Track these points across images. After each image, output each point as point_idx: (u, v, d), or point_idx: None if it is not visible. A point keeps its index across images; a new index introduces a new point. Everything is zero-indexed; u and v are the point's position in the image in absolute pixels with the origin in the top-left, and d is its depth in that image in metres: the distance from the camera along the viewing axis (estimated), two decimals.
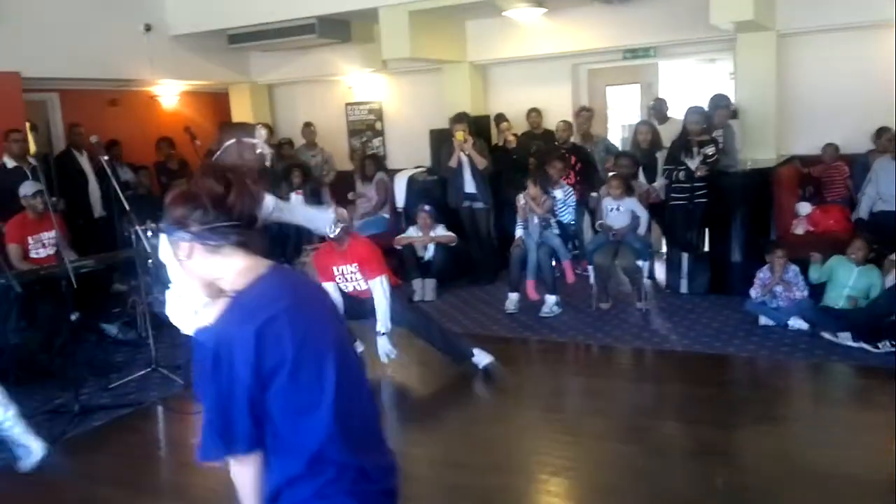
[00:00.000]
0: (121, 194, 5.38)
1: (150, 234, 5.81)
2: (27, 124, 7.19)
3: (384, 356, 5.09)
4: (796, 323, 5.67)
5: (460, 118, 7.52)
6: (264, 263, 1.82)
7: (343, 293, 5.15)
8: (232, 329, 1.70)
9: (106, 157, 5.73)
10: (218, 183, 1.76)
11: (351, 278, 5.14)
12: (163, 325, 6.46)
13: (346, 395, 1.79)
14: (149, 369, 5.40)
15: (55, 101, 9.03)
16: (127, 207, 5.35)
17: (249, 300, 1.74)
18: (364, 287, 5.11)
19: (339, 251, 5.11)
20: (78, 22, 7.77)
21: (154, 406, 4.99)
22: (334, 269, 5.16)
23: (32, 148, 7.31)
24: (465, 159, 7.43)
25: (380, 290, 5.03)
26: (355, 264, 5.10)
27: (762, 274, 5.87)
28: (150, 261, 6.18)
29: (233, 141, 3.82)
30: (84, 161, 7.97)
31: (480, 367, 5.25)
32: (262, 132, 5.09)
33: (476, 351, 5.29)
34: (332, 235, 4.99)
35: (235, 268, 1.78)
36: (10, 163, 6.87)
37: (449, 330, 5.60)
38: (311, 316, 1.82)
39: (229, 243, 1.76)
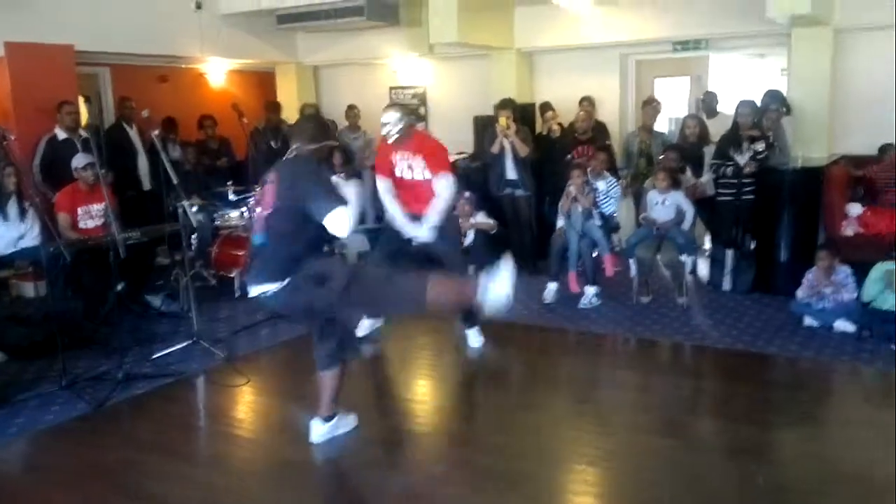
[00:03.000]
0: (170, 169, 5.45)
1: (194, 209, 5.91)
2: (80, 97, 7.30)
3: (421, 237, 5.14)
4: (842, 325, 5.56)
5: (505, 104, 7.47)
6: None
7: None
8: None
9: (156, 132, 5.79)
10: None
11: (415, 167, 5.15)
12: (204, 299, 6.62)
13: None
14: (190, 341, 5.47)
15: (106, 75, 9.19)
16: (175, 182, 5.42)
17: None
18: (427, 177, 5.11)
19: (402, 147, 5.16)
20: None
21: (194, 377, 5.06)
22: (394, 157, 5.16)
23: (85, 120, 7.43)
24: (507, 146, 7.39)
25: (444, 185, 5.09)
26: (420, 156, 5.14)
27: (811, 274, 5.76)
28: (193, 235, 6.30)
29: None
30: (134, 134, 8.09)
31: (469, 342, 5.49)
32: None
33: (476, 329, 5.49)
34: (389, 141, 5.10)
35: None
36: (61, 134, 7.02)
37: None
38: None
39: None
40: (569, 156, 7.50)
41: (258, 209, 3.73)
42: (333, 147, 3.77)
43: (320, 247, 3.81)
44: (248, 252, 6.85)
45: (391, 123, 5.10)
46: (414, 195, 5.22)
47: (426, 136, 5.55)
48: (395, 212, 5.24)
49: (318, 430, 3.95)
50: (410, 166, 5.20)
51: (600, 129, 7.95)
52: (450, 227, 5.34)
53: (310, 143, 3.71)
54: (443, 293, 3.69)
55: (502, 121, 7.29)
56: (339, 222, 3.46)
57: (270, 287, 3.61)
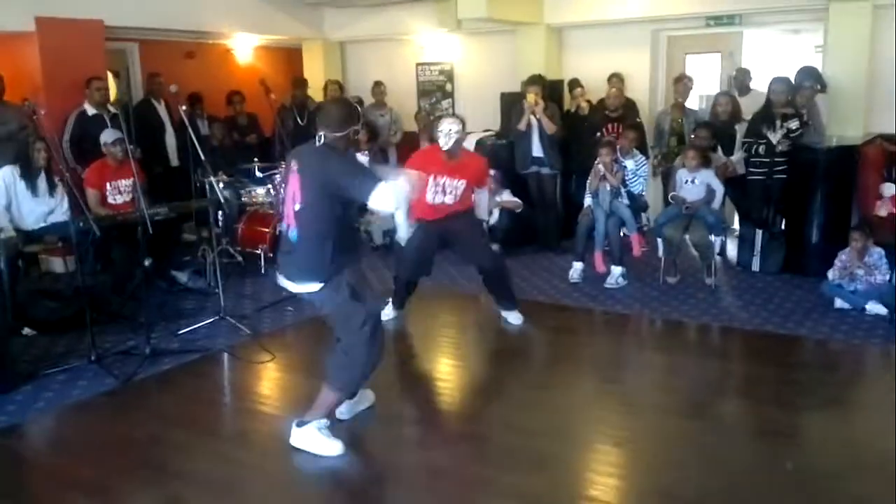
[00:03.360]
0: (197, 145, 5.46)
1: (221, 185, 5.92)
2: (108, 72, 7.33)
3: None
4: (874, 307, 5.46)
5: (534, 80, 7.38)
6: None
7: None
8: None
9: (184, 108, 5.80)
10: None
11: (449, 191, 5.10)
12: (231, 275, 6.66)
13: None
14: (216, 318, 5.51)
15: (134, 51, 9.22)
16: (202, 158, 5.42)
17: None
18: (453, 204, 5.10)
19: (448, 162, 5.07)
20: None
21: (220, 353, 5.09)
22: (432, 178, 5.01)
23: (114, 95, 7.47)
24: (534, 123, 7.31)
25: (486, 191, 5.29)
26: (464, 181, 5.08)
27: (843, 255, 5.65)
28: (220, 211, 6.31)
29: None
30: (162, 110, 8.12)
31: (508, 321, 5.51)
32: None
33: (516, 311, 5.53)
34: (445, 148, 5.04)
35: None
36: (90, 110, 7.06)
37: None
38: None
39: None
40: (598, 133, 7.41)
41: (288, 199, 3.61)
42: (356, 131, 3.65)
43: (354, 244, 3.79)
44: (274, 235, 6.92)
45: (453, 132, 5.01)
46: (436, 213, 5.17)
47: (473, 154, 5.58)
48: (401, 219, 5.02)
49: (343, 407, 3.89)
50: (446, 189, 5.10)
51: (630, 107, 7.84)
52: (467, 220, 5.30)
53: (337, 131, 3.54)
54: (321, 400, 3.66)
55: (530, 97, 7.22)
56: (385, 198, 3.37)
57: (306, 288, 3.62)
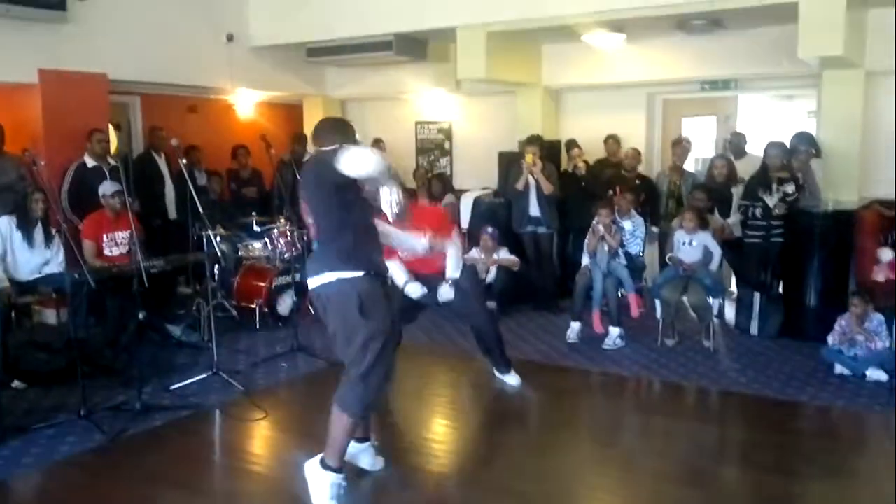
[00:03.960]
0: (196, 198, 5.46)
1: (218, 238, 5.91)
2: (109, 125, 7.39)
3: (444, 298, 5.10)
4: (875, 374, 5.42)
5: (533, 140, 7.46)
6: None
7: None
8: None
9: (184, 161, 5.82)
10: None
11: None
12: (225, 330, 6.61)
13: None
14: (210, 373, 5.44)
15: (136, 104, 9.31)
16: (201, 211, 5.42)
17: None
18: (428, 257, 4.94)
19: (404, 227, 4.84)
20: (163, 29, 8.00)
21: (213, 410, 5.01)
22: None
23: (114, 147, 7.51)
24: (532, 182, 7.36)
25: (454, 241, 5.08)
26: (427, 234, 4.88)
27: (843, 321, 5.63)
28: (216, 266, 6.29)
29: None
30: (163, 163, 8.16)
31: (507, 384, 5.45)
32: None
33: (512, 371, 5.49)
34: (391, 218, 4.69)
35: None
36: (90, 161, 7.09)
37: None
38: None
39: None
40: (611, 192, 7.37)
41: (307, 220, 3.74)
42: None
43: (371, 252, 3.72)
44: (270, 289, 6.90)
45: (397, 203, 4.13)
46: (415, 266, 5.15)
47: (423, 208, 5.50)
48: (397, 272, 5.08)
49: (311, 469, 3.69)
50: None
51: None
52: (465, 277, 5.22)
53: (324, 144, 3.59)
54: (333, 430, 3.61)
55: (529, 157, 7.28)
56: (355, 155, 3.25)
57: (315, 281, 3.62)
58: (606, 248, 6.46)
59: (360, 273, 3.57)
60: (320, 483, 3.60)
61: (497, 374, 5.52)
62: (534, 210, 7.46)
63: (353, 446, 3.88)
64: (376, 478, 4.01)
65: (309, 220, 3.67)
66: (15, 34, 6.80)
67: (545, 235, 7.57)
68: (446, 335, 6.75)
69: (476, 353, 5.66)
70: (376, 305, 3.59)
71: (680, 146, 7.80)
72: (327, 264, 3.60)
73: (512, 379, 5.48)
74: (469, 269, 5.46)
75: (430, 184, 9.12)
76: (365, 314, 3.52)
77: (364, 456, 4.01)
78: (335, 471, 3.61)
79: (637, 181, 7.53)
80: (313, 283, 3.66)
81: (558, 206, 7.54)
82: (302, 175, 3.73)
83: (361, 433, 3.93)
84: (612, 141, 8.13)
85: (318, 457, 3.65)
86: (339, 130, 3.71)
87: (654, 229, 7.25)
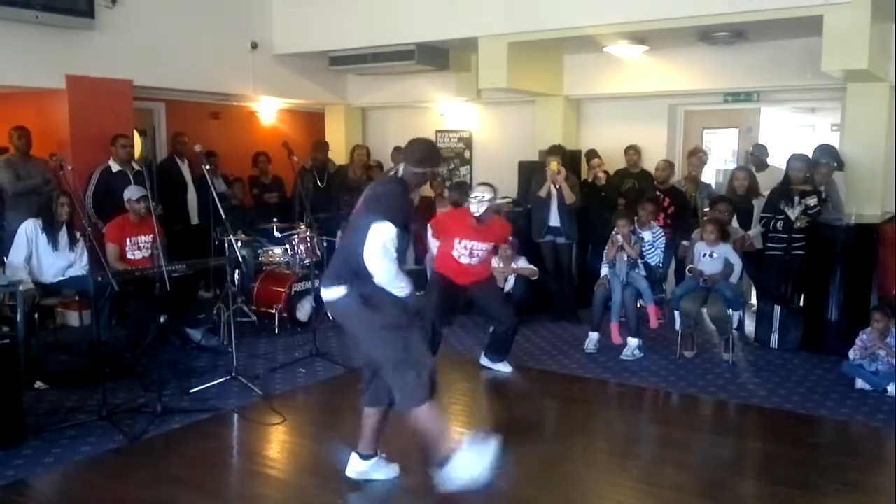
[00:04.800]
0: (218, 203, 5.52)
1: (239, 244, 5.97)
2: (134, 130, 7.49)
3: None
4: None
5: (556, 150, 7.46)
6: None
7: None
8: None
9: (207, 167, 5.89)
10: None
11: (476, 254, 5.35)
12: (244, 335, 6.66)
13: None
14: (228, 377, 5.49)
15: (161, 110, 9.41)
16: (223, 216, 5.48)
17: None
18: (479, 265, 5.34)
19: (477, 227, 5.32)
20: (189, 36, 8.11)
21: (231, 414, 5.05)
22: (458, 241, 5.30)
23: (139, 152, 7.61)
24: (554, 192, 7.35)
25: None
26: (490, 244, 5.35)
27: (865, 335, 5.58)
28: (237, 271, 6.35)
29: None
30: (185, 169, 8.25)
31: (500, 372, 5.90)
32: None
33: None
34: (476, 214, 5.28)
35: None
36: (115, 166, 7.18)
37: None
38: None
39: None
40: (621, 200, 7.35)
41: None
42: (434, 173, 3.80)
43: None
44: (289, 295, 6.96)
45: (485, 200, 5.28)
46: (460, 271, 5.31)
47: (499, 219, 5.85)
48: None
49: (354, 466, 3.91)
50: (472, 252, 5.38)
51: (646, 178, 7.86)
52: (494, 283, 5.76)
53: (415, 166, 3.68)
54: (426, 428, 3.67)
55: (553, 165, 7.25)
56: (374, 233, 3.46)
57: (330, 293, 3.67)
58: (626, 258, 6.44)
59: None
60: (465, 462, 3.61)
61: (490, 363, 5.90)
62: (553, 220, 7.44)
63: (361, 464, 3.93)
64: (388, 485, 4.01)
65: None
66: (44, 41, 6.92)
67: (564, 246, 7.55)
68: (464, 344, 6.76)
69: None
70: (390, 308, 3.66)
71: (696, 157, 7.77)
72: (333, 278, 3.68)
73: (506, 367, 5.90)
74: (493, 280, 5.91)
75: (450, 192, 9.12)
76: (374, 308, 3.61)
77: (376, 470, 4.01)
78: (454, 455, 3.63)
79: (667, 195, 7.38)
80: (326, 295, 3.73)
81: (578, 216, 7.53)
82: (375, 185, 3.83)
83: (368, 449, 3.95)
84: (632, 151, 8.10)
85: (439, 467, 3.68)
86: (428, 157, 3.75)
87: (685, 243, 7.13)
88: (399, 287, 3.60)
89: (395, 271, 3.55)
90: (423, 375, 3.62)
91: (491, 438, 3.69)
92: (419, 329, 3.78)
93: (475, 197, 5.35)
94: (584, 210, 7.63)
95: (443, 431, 3.68)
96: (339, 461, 4.04)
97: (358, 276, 3.59)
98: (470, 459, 3.61)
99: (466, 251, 5.30)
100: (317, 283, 6.87)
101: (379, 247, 3.48)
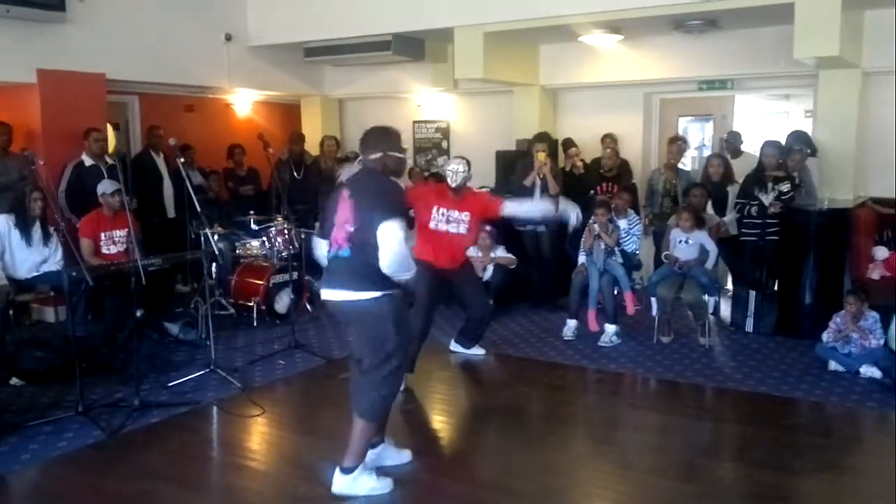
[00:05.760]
0: (194, 196, 5.48)
1: (216, 237, 5.94)
2: (108, 124, 7.41)
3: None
4: (869, 371, 5.45)
5: (542, 138, 7.43)
6: None
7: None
8: None
9: (182, 160, 5.84)
10: None
11: (454, 221, 5.43)
12: (222, 328, 6.63)
13: None
14: (207, 370, 5.46)
15: (135, 104, 9.33)
16: (199, 209, 5.45)
17: None
18: (460, 233, 5.41)
19: (453, 197, 5.46)
20: (162, 29, 8.03)
21: (210, 406, 5.02)
22: (436, 208, 5.41)
23: (113, 146, 7.54)
24: (538, 182, 7.34)
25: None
26: (467, 213, 5.41)
27: (838, 318, 5.66)
28: (214, 264, 6.31)
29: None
30: (161, 162, 8.18)
31: (474, 356, 6.10)
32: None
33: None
34: (453, 185, 5.45)
35: None
36: (88, 161, 7.11)
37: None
38: None
39: None
40: (592, 192, 7.46)
41: (338, 223, 3.71)
42: (400, 158, 3.81)
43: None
44: (267, 287, 6.93)
45: (460, 172, 5.44)
46: (439, 247, 5.31)
47: (476, 191, 5.96)
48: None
49: (338, 482, 3.76)
50: (449, 219, 5.43)
51: (624, 167, 7.92)
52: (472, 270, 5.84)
53: (370, 153, 3.74)
54: (354, 437, 3.73)
55: (541, 155, 7.21)
56: (389, 234, 3.49)
57: (352, 296, 3.66)
58: (603, 246, 6.48)
59: (395, 290, 3.70)
60: (358, 485, 3.72)
61: (461, 348, 6.14)
62: None
63: (371, 452, 3.92)
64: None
65: (348, 227, 3.64)
66: (14, 34, 6.83)
67: (545, 234, 7.54)
68: (442, 332, 6.77)
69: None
70: (404, 316, 3.81)
71: (675, 145, 7.80)
72: (366, 280, 3.63)
73: (478, 350, 6.13)
74: (470, 267, 6.01)
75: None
76: (398, 325, 3.69)
77: (387, 456, 4.04)
78: (355, 468, 3.73)
79: (614, 181, 7.55)
80: (346, 296, 3.69)
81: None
82: (357, 185, 3.74)
83: (374, 436, 3.97)
84: (609, 140, 8.14)
85: (337, 470, 3.74)
86: (380, 140, 3.79)
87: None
88: (408, 272, 3.64)
89: (408, 260, 3.59)
90: (379, 404, 3.75)
91: (389, 480, 3.80)
92: (403, 366, 3.84)
93: (450, 170, 5.50)
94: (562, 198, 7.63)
95: (362, 449, 3.75)
96: (319, 453, 4.04)
97: (382, 277, 3.61)
98: (364, 483, 3.74)
99: (444, 218, 5.39)
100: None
101: (395, 245, 3.51)
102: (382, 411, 3.82)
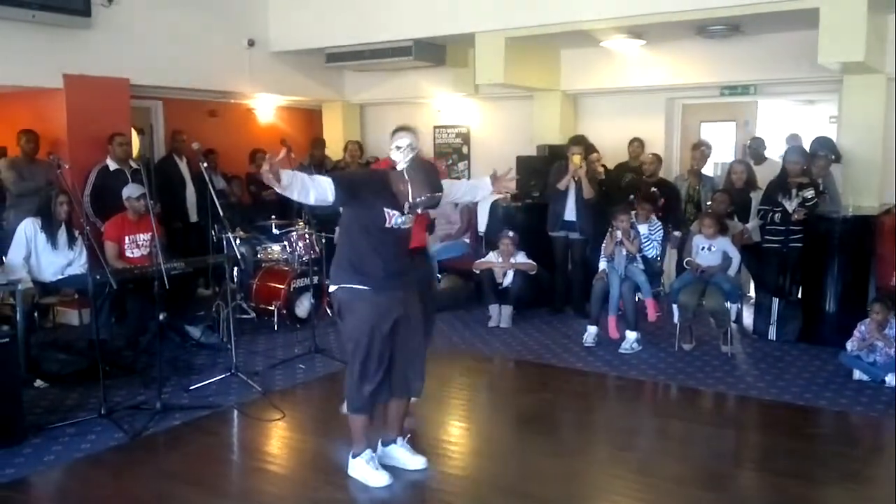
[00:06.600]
0: (216, 201, 5.53)
1: (237, 241, 5.97)
2: (132, 129, 7.49)
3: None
4: (894, 380, 5.38)
5: (578, 140, 7.31)
6: None
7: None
8: None
9: (205, 165, 5.88)
10: None
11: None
12: (243, 332, 6.67)
13: None
14: (228, 374, 5.49)
15: (159, 109, 9.41)
16: (221, 214, 5.49)
17: None
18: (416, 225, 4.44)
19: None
20: (186, 34, 8.11)
21: (231, 410, 5.06)
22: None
23: (137, 151, 7.61)
24: (572, 185, 7.26)
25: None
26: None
27: (863, 327, 5.59)
28: (236, 268, 6.36)
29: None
30: (184, 167, 8.25)
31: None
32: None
33: None
34: (399, 167, 3.98)
35: None
36: (112, 165, 7.18)
37: None
38: None
39: None
40: (632, 196, 7.32)
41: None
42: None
43: (379, 268, 3.77)
44: (288, 292, 6.97)
45: (409, 147, 4.06)
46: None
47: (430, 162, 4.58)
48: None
49: (351, 466, 4.01)
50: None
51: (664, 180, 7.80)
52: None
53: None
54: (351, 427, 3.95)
55: (577, 158, 7.08)
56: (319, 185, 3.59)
57: (332, 286, 3.87)
58: (624, 252, 6.45)
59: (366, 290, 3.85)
60: (360, 469, 3.93)
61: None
62: (569, 214, 7.29)
63: (381, 450, 4.09)
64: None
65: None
66: (41, 40, 6.92)
67: (578, 241, 7.41)
68: (462, 338, 6.77)
69: (493, 354, 5.65)
70: (382, 315, 3.79)
71: (699, 150, 7.74)
72: (334, 275, 3.86)
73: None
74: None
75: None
76: (356, 320, 3.79)
77: (396, 457, 4.11)
78: (361, 454, 3.94)
79: (656, 187, 7.43)
80: (330, 288, 3.89)
81: (594, 213, 7.29)
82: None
83: (389, 433, 4.12)
84: (636, 143, 8.09)
85: (351, 454, 3.98)
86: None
87: (677, 234, 7.16)
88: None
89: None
90: (354, 396, 3.86)
91: (386, 475, 3.92)
92: (383, 366, 3.85)
93: (397, 147, 4.07)
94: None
95: (359, 438, 3.95)
96: (339, 457, 4.07)
97: (357, 267, 3.81)
98: (360, 470, 3.95)
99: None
100: (315, 279, 6.94)
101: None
102: (363, 406, 3.87)
